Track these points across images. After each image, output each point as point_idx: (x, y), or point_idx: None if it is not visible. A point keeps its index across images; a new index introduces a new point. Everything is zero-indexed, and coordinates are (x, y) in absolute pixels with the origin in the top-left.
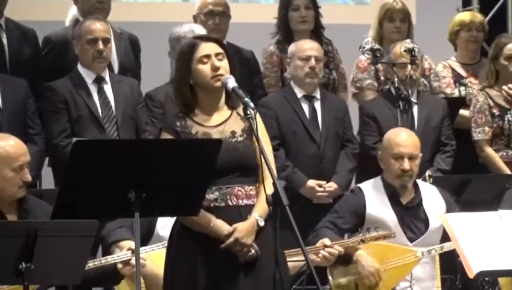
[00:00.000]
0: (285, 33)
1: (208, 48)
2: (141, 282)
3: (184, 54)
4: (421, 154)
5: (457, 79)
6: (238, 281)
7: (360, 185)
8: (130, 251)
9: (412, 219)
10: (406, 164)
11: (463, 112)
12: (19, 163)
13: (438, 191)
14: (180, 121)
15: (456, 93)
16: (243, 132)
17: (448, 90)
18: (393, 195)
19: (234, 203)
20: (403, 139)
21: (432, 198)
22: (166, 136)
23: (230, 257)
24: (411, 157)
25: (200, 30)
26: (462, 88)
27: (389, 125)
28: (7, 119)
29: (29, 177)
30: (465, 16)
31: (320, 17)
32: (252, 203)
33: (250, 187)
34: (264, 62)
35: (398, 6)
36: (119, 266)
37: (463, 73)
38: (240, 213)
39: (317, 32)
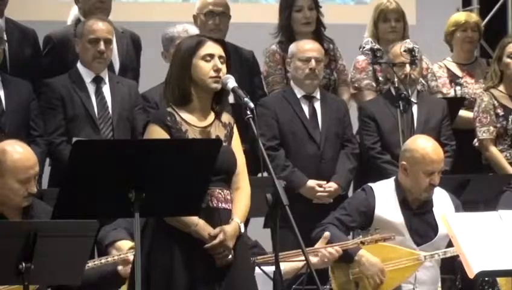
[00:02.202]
0: (288, 34)
1: (214, 48)
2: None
3: (188, 47)
4: None
5: (453, 79)
6: (214, 285)
7: (372, 184)
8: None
9: (421, 224)
10: (437, 179)
11: (461, 112)
12: (26, 176)
13: (449, 197)
14: (170, 116)
15: (452, 93)
16: (226, 138)
17: (444, 90)
18: (404, 199)
19: (215, 205)
20: (437, 156)
21: (442, 204)
22: (154, 128)
23: (209, 259)
24: (439, 171)
25: (194, 30)
26: (458, 88)
27: (388, 125)
28: (11, 120)
29: (34, 189)
30: (460, 17)
31: (322, 16)
32: (229, 208)
33: (227, 192)
34: (267, 61)
35: (392, 6)
36: (119, 267)
37: (458, 73)
38: (220, 215)
39: (318, 32)
